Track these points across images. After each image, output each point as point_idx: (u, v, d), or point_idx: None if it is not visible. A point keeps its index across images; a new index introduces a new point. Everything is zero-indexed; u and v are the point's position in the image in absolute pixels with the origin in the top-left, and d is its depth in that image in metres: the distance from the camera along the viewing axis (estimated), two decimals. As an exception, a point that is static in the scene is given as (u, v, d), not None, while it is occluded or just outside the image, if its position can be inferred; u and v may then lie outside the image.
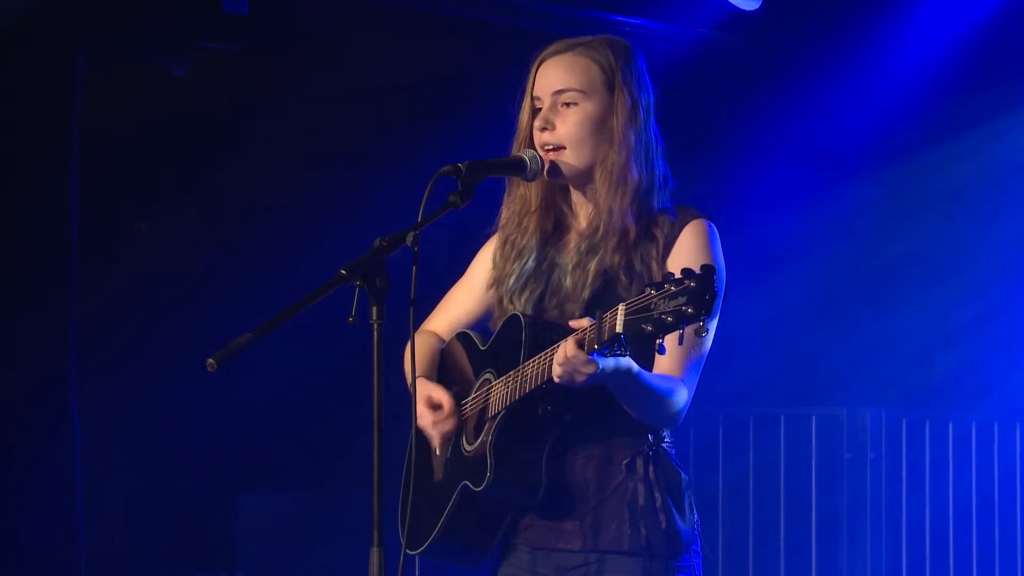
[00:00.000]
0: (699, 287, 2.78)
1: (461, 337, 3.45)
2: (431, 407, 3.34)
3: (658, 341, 2.83)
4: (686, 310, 2.77)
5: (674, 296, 2.79)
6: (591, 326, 2.95)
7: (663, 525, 3.19)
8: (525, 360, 3.15)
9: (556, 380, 3.01)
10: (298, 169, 7.16)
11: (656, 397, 3.13)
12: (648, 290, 2.83)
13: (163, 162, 7.14)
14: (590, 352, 2.95)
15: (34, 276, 5.37)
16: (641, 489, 3.20)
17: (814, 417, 6.59)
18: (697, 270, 2.80)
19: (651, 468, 3.21)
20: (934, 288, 6.88)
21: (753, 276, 6.35)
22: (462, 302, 3.52)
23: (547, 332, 3.18)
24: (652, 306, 2.81)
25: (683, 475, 3.26)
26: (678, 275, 2.81)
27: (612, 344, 2.89)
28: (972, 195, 6.79)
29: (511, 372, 3.18)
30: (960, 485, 6.61)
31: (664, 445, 3.25)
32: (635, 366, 3.06)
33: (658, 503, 3.20)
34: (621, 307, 2.87)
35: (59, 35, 5.40)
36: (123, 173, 6.96)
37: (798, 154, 6.94)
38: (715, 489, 6.66)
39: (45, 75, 5.37)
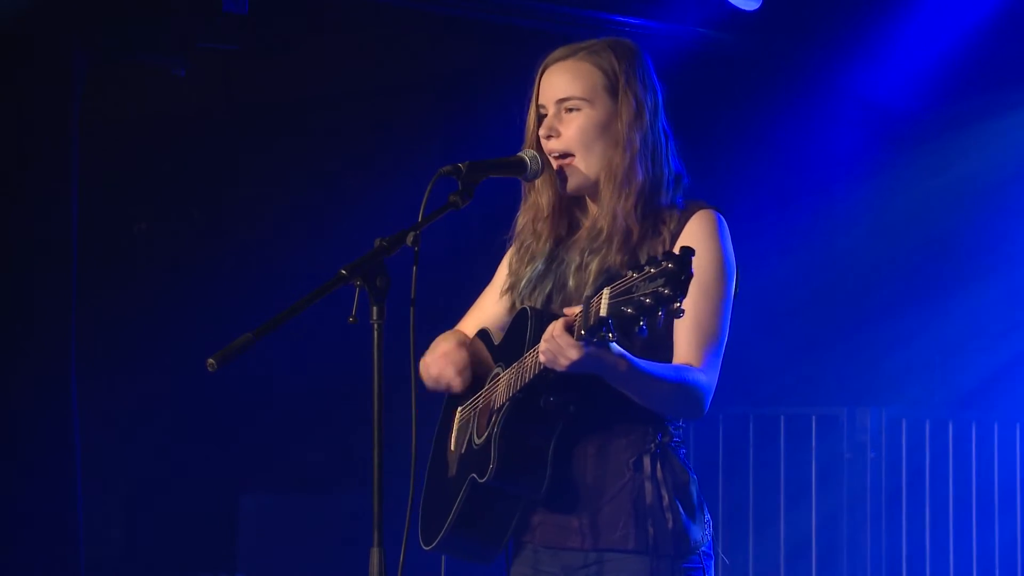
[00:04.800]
0: (676, 268, 2.73)
1: (481, 334, 3.45)
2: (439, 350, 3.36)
3: (640, 324, 2.78)
4: (663, 291, 2.73)
5: (654, 278, 2.75)
6: (580, 312, 2.95)
7: (670, 524, 3.16)
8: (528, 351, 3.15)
9: (542, 360, 2.99)
10: (298, 169, 7.16)
11: (665, 387, 3.11)
12: (630, 273, 2.80)
13: (163, 162, 7.13)
14: (578, 337, 2.94)
15: (34, 276, 5.37)
16: (648, 487, 3.17)
17: (814, 417, 6.59)
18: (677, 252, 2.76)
19: (658, 466, 3.19)
20: (934, 288, 6.88)
21: (753, 275, 6.34)
22: (489, 306, 3.51)
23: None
24: (633, 288, 2.78)
25: (691, 475, 3.24)
26: (660, 257, 2.78)
27: (599, 329, 2.87)
28: (972, 195, 6.79)
29: (515, 363, 3.17)
30: (960, 485, 6.61)
31: (672, 444, 3.24)
32: (628, 355, 3.03)
33: (665, 502, 3.17)
34: (606, 291, 2.83)
35: (59, 35, 5.40)
36: (123, 173, 6.96)
37: (798, 154, 6.93)
38: (715, 489, 6.65)
39: (45, 75, 5.37)
